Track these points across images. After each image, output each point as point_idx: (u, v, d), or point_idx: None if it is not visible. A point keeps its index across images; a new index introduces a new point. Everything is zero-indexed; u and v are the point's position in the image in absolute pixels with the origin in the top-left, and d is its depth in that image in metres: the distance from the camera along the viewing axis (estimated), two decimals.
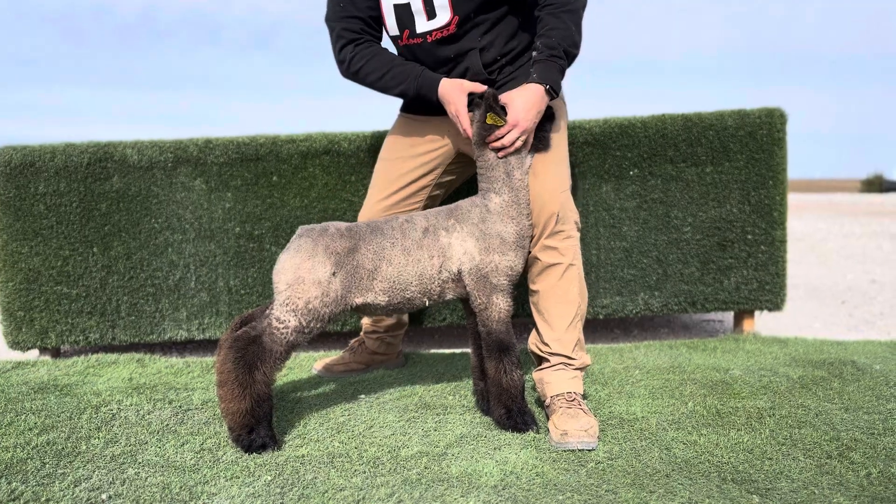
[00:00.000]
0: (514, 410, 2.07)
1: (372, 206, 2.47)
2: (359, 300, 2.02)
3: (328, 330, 3.09)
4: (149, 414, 2.24)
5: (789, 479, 1.74)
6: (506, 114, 2.05)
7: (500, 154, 2.07)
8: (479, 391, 2.25)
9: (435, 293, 2.07)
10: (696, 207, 3.13)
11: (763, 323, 3.69)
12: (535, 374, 2.23)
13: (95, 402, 2.33)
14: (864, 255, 6.48)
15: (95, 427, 2.13)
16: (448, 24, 2.20)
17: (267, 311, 2.01)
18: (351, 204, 3.05)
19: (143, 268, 3.05)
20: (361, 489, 1.71)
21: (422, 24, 2.22)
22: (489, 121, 2.05)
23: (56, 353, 3.14)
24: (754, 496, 1.66)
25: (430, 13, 2.20)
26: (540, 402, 2.26)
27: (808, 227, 9.56)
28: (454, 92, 2.14)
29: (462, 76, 2.25)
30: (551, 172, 2.17)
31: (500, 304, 2.08)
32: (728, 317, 3.87)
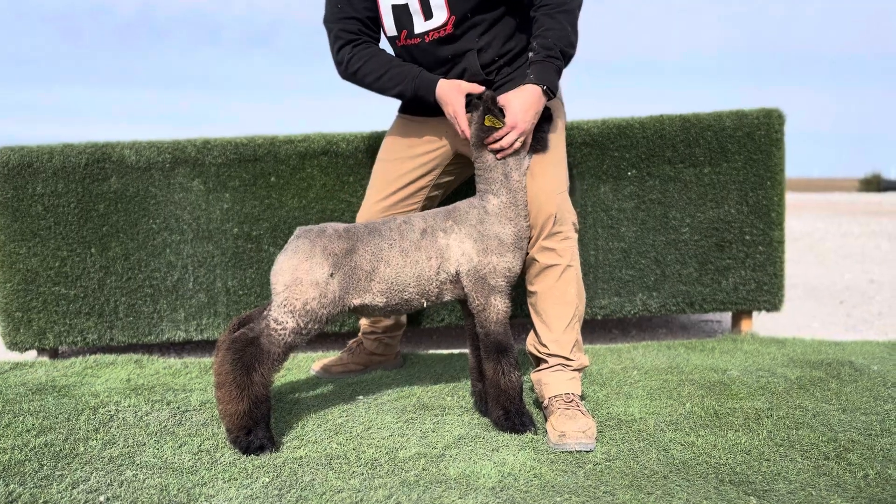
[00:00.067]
0: (512, 411, 2.08)
1: (370, 207, 2.47)
2: (356, 301, 2.02)
3: (326, 331, 3.08)
4: (147, 415, 2.24)
5: (787, 480, 1.74)
6: (504, 115, 2.05)
7: (499, 156, 2.07)
8: (477, 392, 2.25)
9: (433, 294, 2.07)
10: (695, 208, 3.13)
11: (761, 323, 3.69)
12: (533, 375, 2.23)
13: (93, 404, 2.33)
14: (862, 255, 6.49)
15: (93, 428, 2.12)
16: (445, 24, 2.20)
17: (265, 313, 2.01)
18: (349, 204, 3.05)
19: (141, 268, 3.04)
20: (359, 491, 1.71)
21: (419, 25, 2.22)
22: (487, 122, 2.05)
23: (54, 354, 3.14)
24: (752, 498, 1.66)
25: (427, 13, 2.20)
26: (538, 403, 2.26)
27: (806, 226, 9.57)
28: (452, 93, 2.15)
29: (460, 77, 2.25)
30: (549, 174, 2.17)
31: (499, 306, 2.08)
32: (726, 317, 3.87)
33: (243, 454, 1.92)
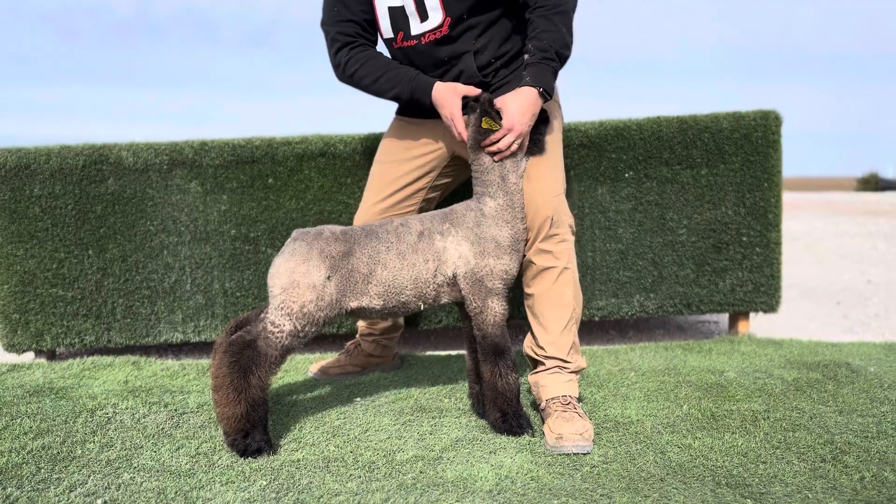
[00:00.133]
0: (509, 414, 2.08)
1: (368, 209, 2.47)
2: (354, 304, 2.02)
3: (323, 332, 3.08)
4: (144, 417, 2.24)
5: (783, 483, 1.75)
6: (501, 118, 2.06)
7: (496, 158, 2.08)
8: (474, 394, 2.25)
9: (430, 297, 2.08)
10: (692, 210, 3.13)
11: (758, 324, 3.70)
12: (531, 378, 2.24)
13: (91, 406, 2.33)
14: (859, 255, 6.50)
15: (91, 431, 2.12)
16: (441, 26, 2.20)
17: (262, 315, 2.01)
18: (347, 206, 3.05)
19: (139, 270, 3.04)
20: (357, 494, 1.71)
21: (416, 27, 2.23)
22: (485, 125, 2.05)
23: (51, 356, 3.14)
24: (748, 500, 1.66)
25: (423, 15, 2.20)
26: (535, 406, 2.26)
27: (804, 226, 9.58)
28: (448, 95, 2.15)
29: (456, 79, 2.25)
30: (545, 176, 2.18)
31: (496, 308, 2.08)
32: (723, 318, 3.88)
33: (241, 457, 1.92)
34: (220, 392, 1.93)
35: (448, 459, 1.90)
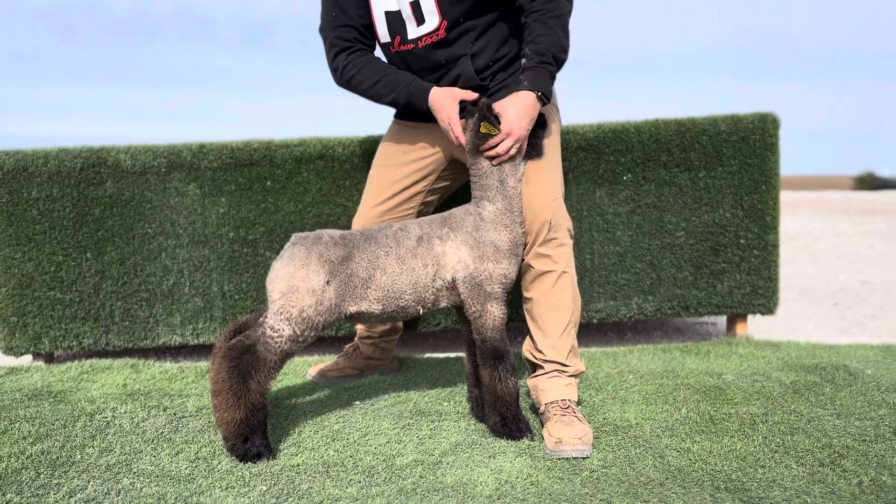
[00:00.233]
0: (508, 418, 2.08)
1: (366, 212, 2.47)
2: (353, 308, 2.03)
3: (322, 335, 3.09)
4: (143, 421, 2.24)
5: (782, 487, 1.75)
6: (499, 122, 2.06)
7: (495, 162, 2.08)
8: (473, 398, 2.25)
9: (429, 301, 2.08)
10: (690, 212, 3.14)
11: (756, 325, 3.71)
12: (530, 381, 2.24)
13: (90, 410, 2.33)
14: (856, 255, 6.51)
15: (90, 435, 2.12)
16: (437, 29, 2.20)
17: (261, 320, 2.01)
18: (345, 209, 3.05)
19: (137, 273, 3.04)
20: (357, 499, 1.71)
21: (412, 31, 2.23)
22: (483, 129, 2.05)
23: (49, 359, 3.14)
24: None
25: (420, 19, 2.21)
26: (534, 409, 2.27)
27: (801, 225, 9.59)
28: (445, 100, 2.15)
29: (454, 82, 2.25)
30: (543, 180, 2.18)
31: (495, 312, 2.08)
32: (721, 320, 3.88)
33: (240, 462, 1.92)
34: (220, 397, 1.93)
35: (448, 464, 1.91)
